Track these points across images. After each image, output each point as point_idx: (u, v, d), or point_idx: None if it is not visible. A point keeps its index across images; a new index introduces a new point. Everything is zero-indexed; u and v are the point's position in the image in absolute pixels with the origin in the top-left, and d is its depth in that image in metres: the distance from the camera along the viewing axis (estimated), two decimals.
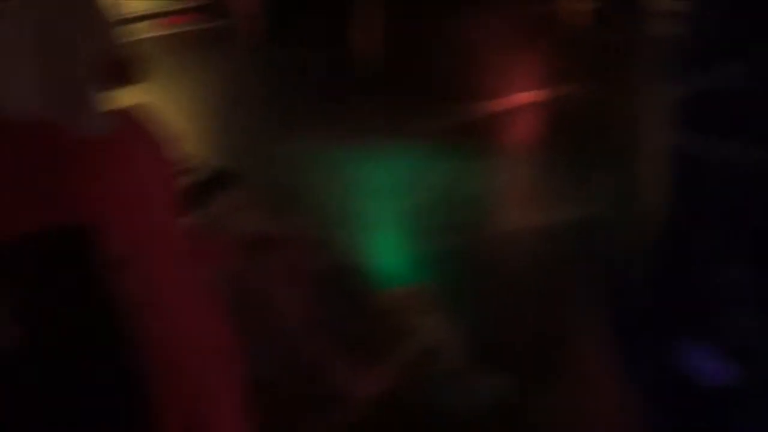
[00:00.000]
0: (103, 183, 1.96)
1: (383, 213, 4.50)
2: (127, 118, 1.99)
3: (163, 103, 2.37)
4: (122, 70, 1.96)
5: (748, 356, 2.28)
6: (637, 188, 4.03)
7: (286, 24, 7.00)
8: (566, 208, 4.51)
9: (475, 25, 6.68)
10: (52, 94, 1.74)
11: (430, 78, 6.24)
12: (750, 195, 2.42)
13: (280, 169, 4.70)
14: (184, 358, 2.25)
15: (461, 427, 2.93)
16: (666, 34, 4.00)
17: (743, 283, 2.31)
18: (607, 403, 2.57)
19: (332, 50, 6.81)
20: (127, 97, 2.05)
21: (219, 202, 2.72)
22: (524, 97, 6.24)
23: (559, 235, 4.24)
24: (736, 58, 2.24)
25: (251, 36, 7.12)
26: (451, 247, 4.13)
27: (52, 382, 1.89)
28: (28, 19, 1.75)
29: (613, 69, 6.42)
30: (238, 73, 6.54)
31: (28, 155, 1.78)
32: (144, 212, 2.06)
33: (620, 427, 2.51)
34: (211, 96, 6.14)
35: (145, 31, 6.89)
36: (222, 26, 7.28)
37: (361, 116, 5.74)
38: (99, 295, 1.98)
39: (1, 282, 1.73)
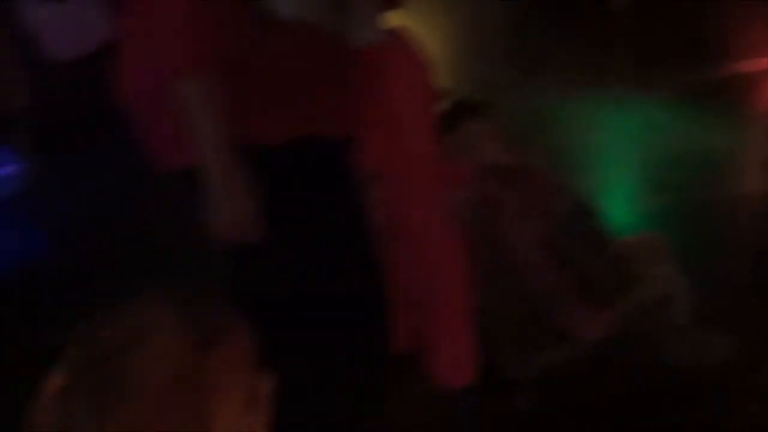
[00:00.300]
0: (372, 95, 2.05)
1: (621, 162, 4.48)
2: (397, 37, 2.07)
3: (420, 31, 2.44)
4: None
5: None
6: None
7: None
8: None
9: None
10: (338, 4, 1.82)
11: (682, 31, 6.06)
12: None
13: (524, 106, 4.72)
14: (420, 274, 2.34)
15: (683, 381, 2.90)
16: None
17: None
18: None
19: None
20: (392, 19, 2.13)
21: (465, 131, 2.77)
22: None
23: None
24: None
25: None
26: (686, 203, 4.08)
27: (300, 276, 2.01)
28: None
29: None
30: (489, 10, 6.54)
31: (310, 62, 1.87)
32: (404, 129, 2.15)
33: None
34: (462, 28, 6.18)
35: None
36: None
37: (609, 63, 5.67)
38: (350, 205, 2.07)
39: (263, 181, 1.83)
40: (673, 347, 2.90)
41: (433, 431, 2.79)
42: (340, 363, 2.16)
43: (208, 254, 2.16)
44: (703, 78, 5.61)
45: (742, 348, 2.95)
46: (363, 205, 2.10)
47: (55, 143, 3.79)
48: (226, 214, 1.78)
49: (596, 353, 2.82)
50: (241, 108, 1.79)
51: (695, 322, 2.93)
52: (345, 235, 2.05)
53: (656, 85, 5.36)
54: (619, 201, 3.97)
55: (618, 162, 4.47)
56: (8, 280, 3.64)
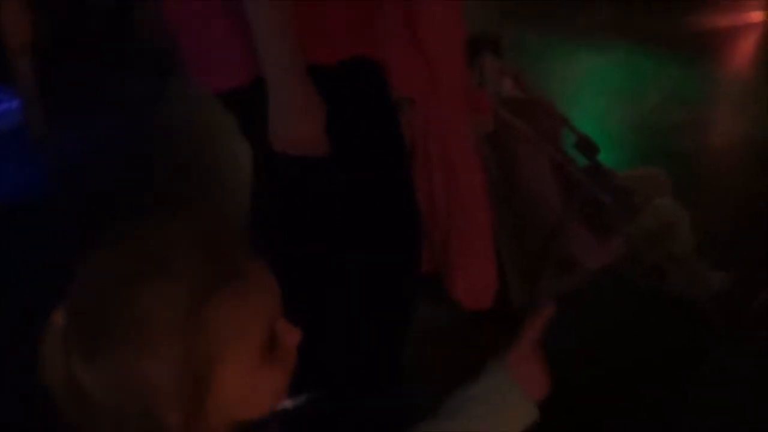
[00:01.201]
0: (409, 21, 2.12)
1: (611, 104, 4.61)
2: None
3: None
4: None
5: None
6: None
7: None
8: None
9: None
10: None
11: None
12: None
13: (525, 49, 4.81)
14: (447, 197, 2.43)
15: (682, 310, 3.03)
16: None
17: None
18: None
19: None
20: None
21: (480, 66, 2.85)
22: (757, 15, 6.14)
23: None
24: None
25: None
26: (672, 147, 4.22)
27: (344, 188, 2.08)
28: None
29: None
30: None
31: None
32: (437, 56, 2.22)
33: None
34: None
35: None
36: None
37: (593, 15, 5.77)
38: (391, 127, 2.13)
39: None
40: (674, 277, 3.02)
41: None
42: (373, 282, 2.24)
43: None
44: (687, 28, 5.74)
45: (735, 281, 3.07)
46: (396, 126, 2.15)
47: (60, 79, 3.78)
48: (296, 127, 1.81)
49: (600, 281, 2.94)
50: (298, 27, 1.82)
51: (695, 255, 3.05)
52: (387, 157, 2.10)
53: (642, 35, 5.48)
54: (616, 142, 4.12)
55: (603, 105, 4.61)
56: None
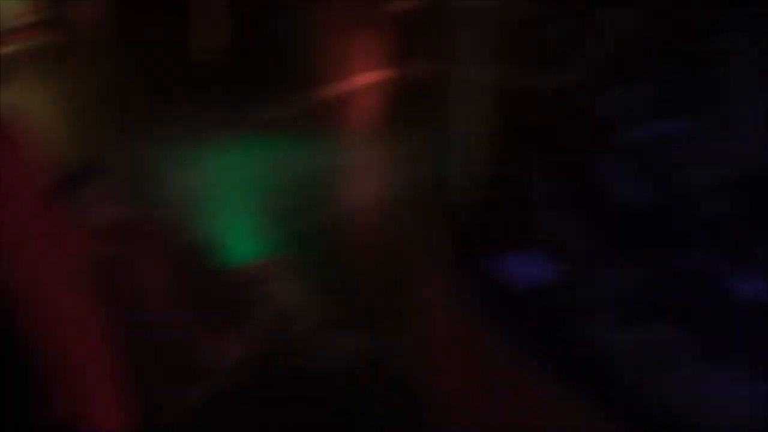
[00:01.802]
0: None
1: (237, 198, 4.73)
2: None
3: (23, 110, 2.54)
4: None
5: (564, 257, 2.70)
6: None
7: (130, 29, 7.01)
8: (406, 177, 4.84)
9: (311, 16, 6.82)
10: None
11: (271, 69, 6.42)
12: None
13: (135, 165, 4.85)
14: (62, 337, 2.45)
15: (322, 385, 3.20)
16: None
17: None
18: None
19: (177, 50, 6.90)
20: None
21: (85, 195, 2.90)
22: (364, 78, 6.47)
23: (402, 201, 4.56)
24: None
25: (96, 44, 7.17)
26: (304, 225, 4.43)
27: None
28: None
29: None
30: (88, 80, 6.60)
31: None
32: (10, 206, 2.26)
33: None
34: (66, 102, 6.19)
35: None
36: (65, 38, 7.29)
37: (205, 110, 5.88)
38: None
39: None
40: (303, 353, 3.18)
41: None
42: None
43: None
44: (299, 107, 5.99)
45: (370, 345, 3.31)
46: None
47: None
48: None
49: (240, 376, 3.07)
50: None
51: (321, 329, 3.24)
52: None
53: (254, 123, 5.68)
54: (240, 232, 4.24)
55: (235, 198, 4.74)
56: None
